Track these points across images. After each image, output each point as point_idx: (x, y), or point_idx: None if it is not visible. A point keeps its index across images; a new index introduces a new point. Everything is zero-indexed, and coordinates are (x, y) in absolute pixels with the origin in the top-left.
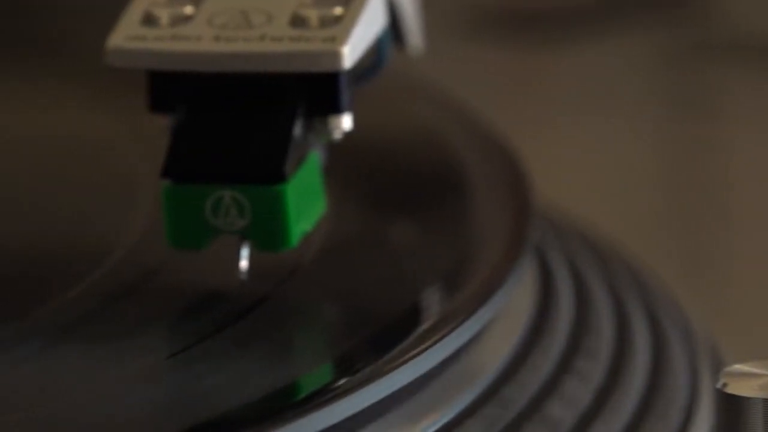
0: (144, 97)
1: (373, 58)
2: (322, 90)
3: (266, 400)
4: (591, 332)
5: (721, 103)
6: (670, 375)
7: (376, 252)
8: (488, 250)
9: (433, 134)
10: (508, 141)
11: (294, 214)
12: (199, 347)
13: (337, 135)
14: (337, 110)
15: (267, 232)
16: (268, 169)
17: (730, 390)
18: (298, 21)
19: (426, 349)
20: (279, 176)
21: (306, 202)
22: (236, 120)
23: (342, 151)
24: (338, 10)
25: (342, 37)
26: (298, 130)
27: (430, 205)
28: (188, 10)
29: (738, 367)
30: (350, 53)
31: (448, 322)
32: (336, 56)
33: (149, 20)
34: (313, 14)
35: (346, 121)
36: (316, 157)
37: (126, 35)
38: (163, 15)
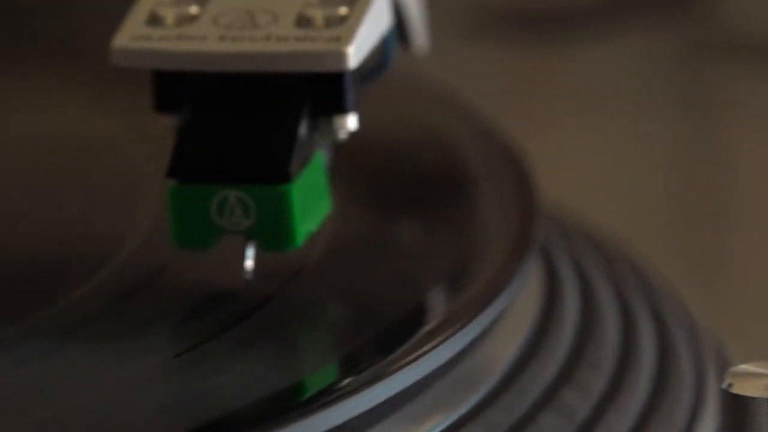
0: (149, 97)
1: (379, 58)
2: (327, 90)
3: (271, 400)
4: (596, 333)
5: (725, 103)
6: (675, 375)
7: (381, 252)
8: (493, 250)
9: (438, 134)
10: (513, 141)
11: (299, 214)
12: (204, 347)
13: (342, 135)
14: (343, 110)
15: (272, 232)
16: (274, 169)
17: (735, 390)
18: (303, 21)
19: (431, 349)
20: (284, 176)
21: (311, 202)
22: (241, 120)
23: (347, 151)
24: (343, 10)
25: (347, 37)
26: (303, 130)
27: (435, 205)
28: (193, 9)
29: (743, 367)
30: (355, 53)
31: (453, 323)
32: (341, 56)
33: (155, 20)
34: (318, 14)
35: (352, 121)
36: (321, 157)
37: (131, 35)
38: (169, 15)
